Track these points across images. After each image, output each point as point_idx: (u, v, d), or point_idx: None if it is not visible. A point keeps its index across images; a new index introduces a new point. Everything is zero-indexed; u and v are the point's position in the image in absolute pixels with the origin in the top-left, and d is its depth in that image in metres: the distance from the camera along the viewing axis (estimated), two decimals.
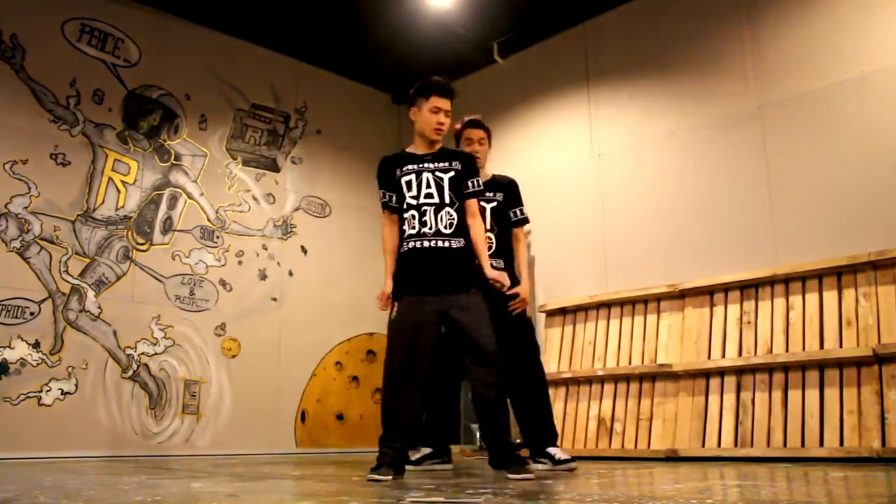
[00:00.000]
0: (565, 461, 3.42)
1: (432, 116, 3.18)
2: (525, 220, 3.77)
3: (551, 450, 3.49)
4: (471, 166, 3.27)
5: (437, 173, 3.20)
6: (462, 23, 6.03)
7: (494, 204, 3.71)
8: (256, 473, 3.29)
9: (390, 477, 2.80)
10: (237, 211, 6.04)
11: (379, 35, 6.25)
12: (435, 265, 3.08)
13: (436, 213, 3.14)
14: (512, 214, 3.74)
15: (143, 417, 5.24)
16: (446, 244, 3.10)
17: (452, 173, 3.20)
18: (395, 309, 3.11)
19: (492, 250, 3.58)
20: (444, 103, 3.19)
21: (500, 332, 3.22)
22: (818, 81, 4.63)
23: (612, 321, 5.17)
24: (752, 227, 4.75)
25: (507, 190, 3.78)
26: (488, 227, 3.62)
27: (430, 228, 3.11)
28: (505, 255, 3.66)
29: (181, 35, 5.96)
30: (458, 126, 3.76)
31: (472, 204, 3.21)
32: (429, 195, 3.16)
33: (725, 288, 4.68)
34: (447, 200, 3.16)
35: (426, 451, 3.65)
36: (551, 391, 4.53)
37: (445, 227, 3.13)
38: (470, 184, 3.21)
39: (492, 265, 3.24)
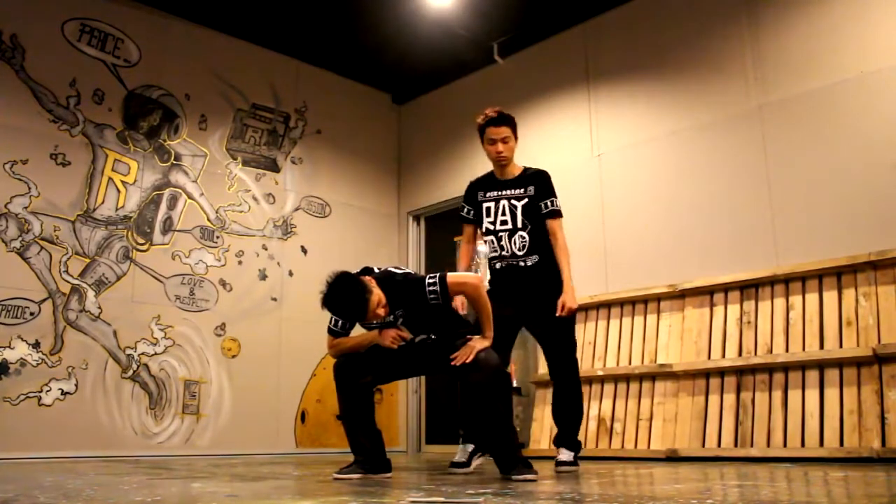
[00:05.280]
0: (560, 463, 3.45)
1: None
2: (557, 213, 3.57)
3: (559, 453, 3.50)
4: (543, 185, 3.64)
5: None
6: (462, 23, 6.03)
7: (526, 200, 3.57)
8: (256, 473, 3.29)
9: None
10: (237, 211, 6.04)
11: (379, 35, 6.25)
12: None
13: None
14: (543, 206, 3.56)
15: (143, 417, 5.24)
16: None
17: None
18: None
19: (525, 250, 3.53)
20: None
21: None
22: (818, 81, 4.62)
23: (612, 321, 5.17)
24: (752, 227, 4.74)
25: (538, 182, 3.61)
26: (520, 224, 3.54)
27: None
28: (540, 251, 3.54)
29: (181, 35, 5.96)
30: (479, 121, 3.63)
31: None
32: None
33: (725, 288, 4.68)
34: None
35: (470, 447, 3.51)
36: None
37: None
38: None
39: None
